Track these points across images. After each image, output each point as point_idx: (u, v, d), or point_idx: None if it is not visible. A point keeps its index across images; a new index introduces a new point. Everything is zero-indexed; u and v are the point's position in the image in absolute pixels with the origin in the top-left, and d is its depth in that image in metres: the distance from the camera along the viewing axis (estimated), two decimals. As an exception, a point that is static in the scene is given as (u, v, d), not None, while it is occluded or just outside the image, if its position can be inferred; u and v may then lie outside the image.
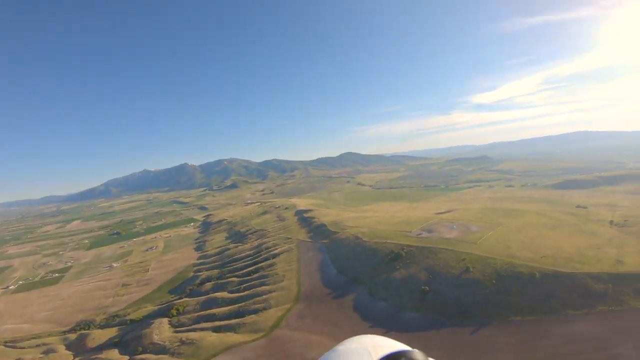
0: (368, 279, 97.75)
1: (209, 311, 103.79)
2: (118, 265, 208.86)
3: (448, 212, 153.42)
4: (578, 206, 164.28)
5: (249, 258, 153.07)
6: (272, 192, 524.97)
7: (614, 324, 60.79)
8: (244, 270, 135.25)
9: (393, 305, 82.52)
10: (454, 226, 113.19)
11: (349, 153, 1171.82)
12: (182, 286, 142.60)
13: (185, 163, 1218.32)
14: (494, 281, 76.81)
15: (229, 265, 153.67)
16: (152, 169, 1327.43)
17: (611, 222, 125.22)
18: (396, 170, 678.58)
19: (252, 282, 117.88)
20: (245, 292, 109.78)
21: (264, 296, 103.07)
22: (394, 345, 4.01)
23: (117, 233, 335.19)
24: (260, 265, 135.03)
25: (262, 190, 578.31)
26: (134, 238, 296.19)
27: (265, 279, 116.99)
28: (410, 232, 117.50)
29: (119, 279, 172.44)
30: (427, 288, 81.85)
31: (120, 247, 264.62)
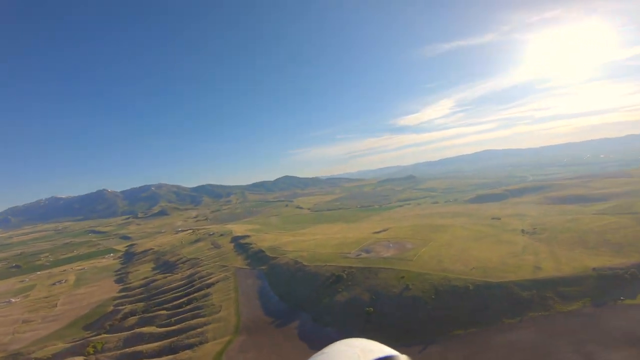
0: (311, 305, 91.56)
1: (134, 348, 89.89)
2: (18, 300, 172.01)
3: (384, 230, 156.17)
4: (493, 218, 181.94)
5: (180, 289, 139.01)
6: (206, 219, 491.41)
7: (546, 329, 63.64)
8: (175, 302, 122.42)
9: (339, 330, 77.23)
10: (390, 244, 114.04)
11: (286, 177, 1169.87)
12: (99, 322, 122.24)
13: (104, 189, 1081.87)
14: (433, 297, 76.59)
15: (156, 297, 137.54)
16: (63, 196, 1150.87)
17: (523, 230, 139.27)
18: (332, 192, 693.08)
19: (185, 315, 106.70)
20: (177, 326, 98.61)
21: (199, 329, 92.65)
22: (383, 350, 3.97)
23: (17, 266, 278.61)
24: (193, 296, 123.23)
25: (195, 217, 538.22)
26: (38, 271, 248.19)
27: (200, 311, 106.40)
28: (350, 253, 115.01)
29: (19, 315, 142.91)
30: (371, 309, 78.43)
31: (20, 282, 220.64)
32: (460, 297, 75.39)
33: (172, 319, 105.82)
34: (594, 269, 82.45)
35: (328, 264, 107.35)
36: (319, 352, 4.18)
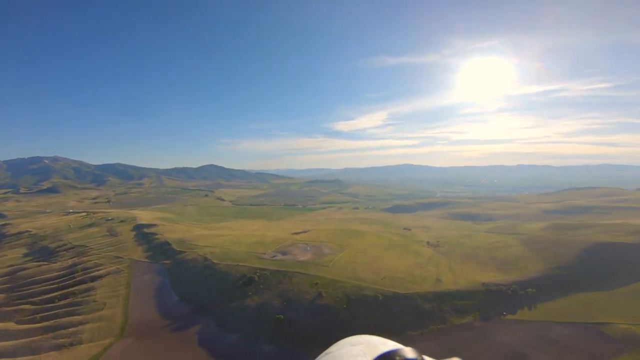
0: (217, 307, 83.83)
1: None
2: None
3: (304, 232, 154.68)
4: (405, 228, 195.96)
5: (54, 281, 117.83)
6: (108, 201, 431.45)
7: (444, 342, 67.43)
8: (45, 296, 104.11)
9: (246, 337, 71.75)
10: (308, 248, 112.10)
11: (211, 165, 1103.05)
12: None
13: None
14: (344, 306, 76.09)
15: (22, 289, 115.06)
16: None
17: (428, 242, 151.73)
18: (259, 187, 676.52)
19: (57, 311, 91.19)
20: (43, 324, 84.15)
21: (72, 329, 79.47)
22: (388, 344, 3.97)
23: None
24: (71, 290, 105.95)
25: (94, 199, 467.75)
26: None
27: (77, 307, 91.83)
28: (265, 253, 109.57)
29: None
30: (282, 317, 74.35)
31: None
32: (370, 307, 76.29)
33: (38, 315, 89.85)
34: (483, 283, 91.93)
35: (240, 263, 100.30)
36: (324, 353, 4.10)
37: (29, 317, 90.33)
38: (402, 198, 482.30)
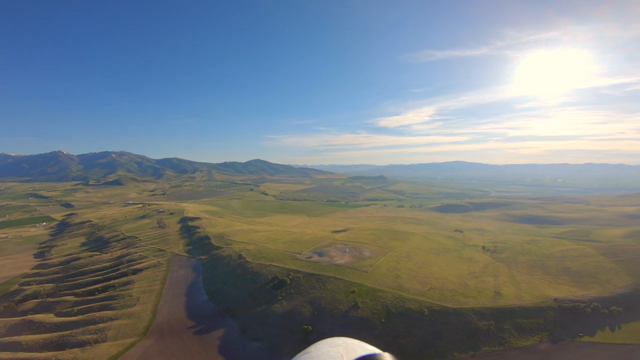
0: (243, 311, 78.97)
1: (14, 338, 74.29)
2: None
3: (344, 230, 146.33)
4: (456, 230, 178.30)
5: (101, 272, 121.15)
6: (163, 194, 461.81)
7: None
8: (89, 287, 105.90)
9: (268, 348, 65.27)
10: (347, 249, 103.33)
11: (257, 160, 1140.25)
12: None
13: (59, 151, 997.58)
14: (383, 320, 66.60)
15: (71, 279, 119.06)
16: (12, 154, 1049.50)
17: (483, 247, 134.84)
18: (302, 182, 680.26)
19: (93, 304, 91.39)
20: (79, 317, 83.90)
21: (102, 324, 78.36)
22: (366, 348, 4.01)
23: None
24: (112, 282, 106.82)
25: (152, 191, 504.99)
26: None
27: (112, 302, 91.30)
28: (301, 254, 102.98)
29: None
30: (311, 328, 67.07)
31: None
32: (412, 322, 65.95)
33: (76, 308, 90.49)
34: (555, 299, 76.69)
35: (273, 263, 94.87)
36: (302, 352, 4.12)
37: (68, 309, 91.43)
38: (451, 197, 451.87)
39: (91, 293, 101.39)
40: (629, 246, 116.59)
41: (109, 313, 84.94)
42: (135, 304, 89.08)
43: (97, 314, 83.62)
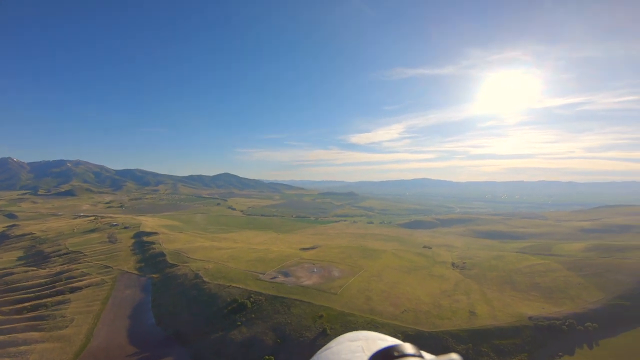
0: (196, 337, 69.15)
1: None
2: None
3: (313, 248, 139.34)
4: (425, 246, 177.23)
5: (34, 289, 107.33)
6: (121, 206, 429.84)
7: None
8: (17, 306, 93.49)
9: None
10: (315, 269, 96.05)
11: (226, 174, 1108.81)
12: None
13: (9, 157, 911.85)
14: (353, 348, 59.90)
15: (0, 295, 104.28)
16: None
17: (453, 264, 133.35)
18: (271, 197, 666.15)
19: (18, 324, 79.75)
20: None
21: (24, 347, 67.96)
22: (387, 340, 3.89)
23: None
24: (45, 301, 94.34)
25: (108, 203, 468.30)
26: None
27: (41, 322, 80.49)
28: (265, 274, 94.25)
29: None
30: (273, 358, 58.80)
31: None
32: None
33: None
34: (530, 317, 74.45)
35: (233, 284, 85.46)
36: (324, 348, 3.97)
37: None
38: (419, 213, 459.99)
39: (19, 312, 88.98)
40: (592, 260, 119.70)
41: (35, 335, 73.88)
42: (67, 326, 78.06)
43: (21, 335, 72.18)
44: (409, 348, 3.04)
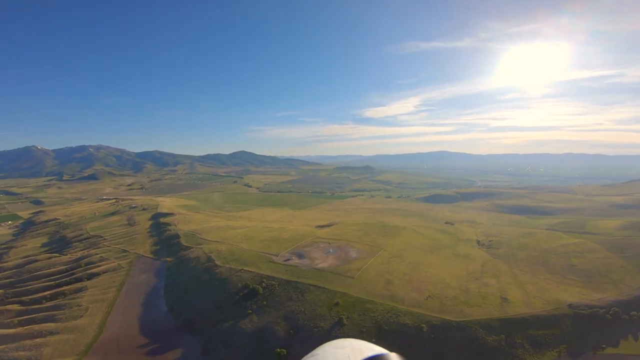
0: (206, 326, 66.24)
1: None
2: None
3: (329, 225, 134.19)
4: (446, 222, 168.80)
5: (55, 276, 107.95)
6: (142, 188, 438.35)
7: None
8: (38, 295, 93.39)
9: None
10: (331, 250, 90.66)
11: (242, 152, 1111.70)
12: None
13: (33, 145, 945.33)
14: (373, 340, 54.41)
15: (22, 284, 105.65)
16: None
17: (478, 242, 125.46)
18: (287, 173, 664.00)
19: (37, 315, 79.60)
20: (18, 329, 73.00)
21: (40, 339, 67.07)
22: (373, 349, 3.99)
23: None
24: (64, 289, 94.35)
25: (129, 185, 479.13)
26: None
27: (58, 312, 79.52)
28: (278, 255, 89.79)
29: None
30: (285, 351, 54.69)
31: None
32: (410, 341, 54.43)
33: (17, 319, 78.34)
34: (569, 305, 66.84)
35: (245, 268, 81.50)
36: (309, 355, 4.05)
37: (9, 320, 79.87)
38: (438, 187, 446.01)
39: (38, 301, 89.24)
40: (633, 240, 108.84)
41: (51, 326, 73.33)
42: (82, 316, 77.11)
43: (37, 327, 72.05)
44: (395, 358, 3.12)
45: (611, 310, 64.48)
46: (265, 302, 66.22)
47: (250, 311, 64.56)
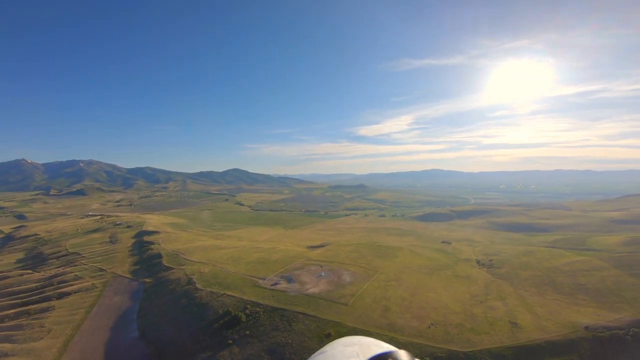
0: (180, 357, 57.92)
1: None
2: None
3: (321, 246, 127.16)
4: (443, 241, 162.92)
5: (24, 294, 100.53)
6: (130, 205, 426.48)
7: None
8: (3, 313, 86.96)
9: None
10: (323, 273, 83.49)
11: (235, 169, 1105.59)
12: None
13: (23, 159, 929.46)
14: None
15: None
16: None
17: (478, 261, 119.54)
18: (280, 192, 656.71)
19: None
20: None
21: None
22: (382, 346, 3.92)
23: None
24: (29, 308, 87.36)
25: (118, 202, 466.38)
26: None
27: (18, 332, 72.89)
28: (265, 279, 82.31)
29: None
30: (268, 391, 46.90)
31: None
32: (412, 379, 47.33)
33: None
34: (586, 327, 60.69)
35: (228, 292, 73.81)
36: (317, 352, 4.04)
37: None
38: (432, 205, 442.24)
39: (1, 320, 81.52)
40: (639, 256, 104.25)
41: (6, 347, 65.98)
42: (42, 338, 69.73)
43: None
44: (403, 355, 3.09)
45: (631, 332, 58.74)
46: (248, 332, 58.51)
47: (231, 341, 56.78)
